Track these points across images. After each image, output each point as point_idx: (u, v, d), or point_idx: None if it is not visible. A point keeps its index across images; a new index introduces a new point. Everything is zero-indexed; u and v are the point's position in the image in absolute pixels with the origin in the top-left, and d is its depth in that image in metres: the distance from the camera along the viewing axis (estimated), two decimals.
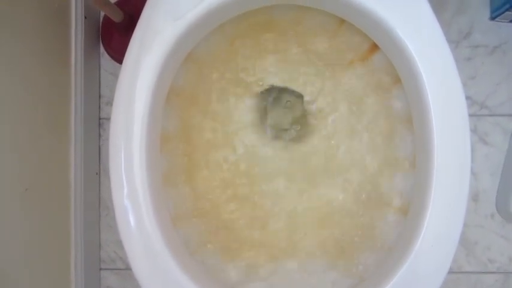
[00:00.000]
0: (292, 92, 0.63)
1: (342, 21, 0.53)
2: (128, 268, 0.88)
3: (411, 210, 0.48)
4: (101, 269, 0.90)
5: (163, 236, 0.45)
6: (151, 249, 0.44)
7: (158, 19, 0.46)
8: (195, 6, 0.46)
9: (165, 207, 0.49)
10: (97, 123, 0.89)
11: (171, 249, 0.45)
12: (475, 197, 0.85)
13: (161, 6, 0.47)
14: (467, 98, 0.85)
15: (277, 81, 0.61)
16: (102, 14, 0.88)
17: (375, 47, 0.53)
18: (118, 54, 0.87)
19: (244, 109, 0.62)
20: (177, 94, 0.54)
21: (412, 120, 0.50)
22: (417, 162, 0.49)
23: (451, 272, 0.86)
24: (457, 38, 0.85)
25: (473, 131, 0.85)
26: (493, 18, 0.84)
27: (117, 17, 0.78)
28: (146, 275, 0.45)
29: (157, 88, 0.47)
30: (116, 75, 0.89)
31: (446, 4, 0.85)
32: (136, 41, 0.47)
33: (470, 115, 0.84)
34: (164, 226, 0.46)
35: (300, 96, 0.63)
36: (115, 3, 0.82)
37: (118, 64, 0.88)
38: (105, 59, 0.89)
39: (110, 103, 0.89)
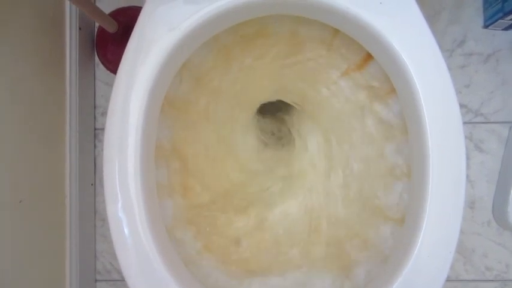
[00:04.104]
0: (286, 103, 0.63)
1: (337, 31, 0.53)
2: (124, 279, 0.88)
3: (407, 220, 0.48)
4: (96, 280, 0.90)
5: (158, 248, 0.44)
6: (146, 261, 0.44)
7: (153, 29, 0.46)
8: (190, 17, 0.46)
9: (160, 219, 0.48)
10: (92, 134, 0.89)
11: (166, 261, 0.44)
12: (471, 205, 0.85)
13: (156, 16, 0.46)
14: (462, 106, 0.85)
15: (271, 92, 0.61)
16: (97, 24, 0.88)
17: (369, 56, 0.53)
18: (113, 65, 0.87)
19: (239, 120, 0.62)
20: (172, 105, 0.54)
21: (407, 128, 0.50)
22: (412, 171, 0.49)
23: (448, 280, 0.85)
24: (451, 47, 0.85)
25: (469, 138, 0.85)
26: (486, 27, 0.84)
27: (111, 27, 0.78)
28: (140, 287, 0.44)
29: (152, 98, 0.47)
30: (111, 86, 0.88)
31: (440, 13, 0.85)
32: (130, 51, 0.46)
33: (465, 123, 0.85)
34: (159, 238, 0.45)
35: (294, 106, 0.63)
36: (109, 14, 0.83)
37: (113, 74, 0.88)
38: (100, 70, 0.89)
39: (105, 114, 0.89)
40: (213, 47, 0.55)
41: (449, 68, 0.45)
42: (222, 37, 0.55)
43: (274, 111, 0.68)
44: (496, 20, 0.80)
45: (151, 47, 0.46)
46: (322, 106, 0.58)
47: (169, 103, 0.54)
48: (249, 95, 0.60)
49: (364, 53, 0.54)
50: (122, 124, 0.46)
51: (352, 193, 0.57)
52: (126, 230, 0.44)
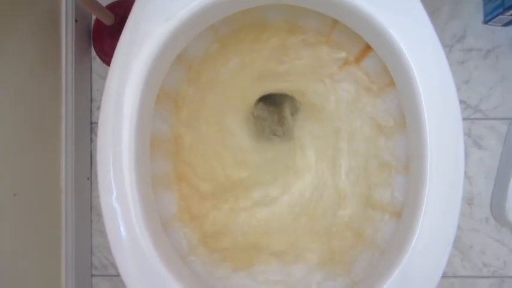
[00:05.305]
0: (284, 96, 0.62)
1: (336, 21, 0.53)
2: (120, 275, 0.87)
3: (404, 214, 0.48)
4: (92, 275, 0.89)
5: (153, 240, 0.44)
6: (140, 253, 0.44)
7: (147, 19, 0.46)
8: (186, 6, 0.45)
9: (155, 210, 0.48)
10: (88, 128, 0.88)
11: (161, 253, 0.44)
12: (469, 201, 0.85)
13: (150, 6, 0.46)
14: (461, 101, 0.85)
15: (269, 85, 0.61)
16: (94, 17, 0.87)
17: (368, 48, 0.53)
18: (109, 58, 0.85)
19: (237, 112, 0.61)
20: (167, 96, 0.54)
21: (405, 122, 0.50)
22: (411, 165, 0.48)
23: (446, 276, 0.85)
24: (450, 42, 0.85)
25: (468, 134, 0.85)
26: (486, 22, 0.84)
27: (108, 20, 0.78)
28: (135, 281, 0.44)
29: (146, 90, 0.46)
30: None
31: (440, 8, 0.85)
32: (124, 42, 0.46)
33: (464, 119, 0.84)
34: (154, 230, 0.45)
35: (291, 99, 0.63)
36: (106, 6, 0.82)
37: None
38: (97, 63, 0.88)
39: None
40: (210, 38, 0.55)
41: (449, 64, 0.45)
42: (219, 28, 0.54)
43: (272, 104, 0.68)
44: (496, 16, 0.80)
45: (145, 37, 0.46)
46: (319, 99, 0.58)
47: (166, 95, 0.53)
48: (246, 88, 0.60)
49: (362, 46, 0.54)
50: (116, 116, 0.45)
51: (349, 186, 0.56)
52: (120, 222, 0.43)
